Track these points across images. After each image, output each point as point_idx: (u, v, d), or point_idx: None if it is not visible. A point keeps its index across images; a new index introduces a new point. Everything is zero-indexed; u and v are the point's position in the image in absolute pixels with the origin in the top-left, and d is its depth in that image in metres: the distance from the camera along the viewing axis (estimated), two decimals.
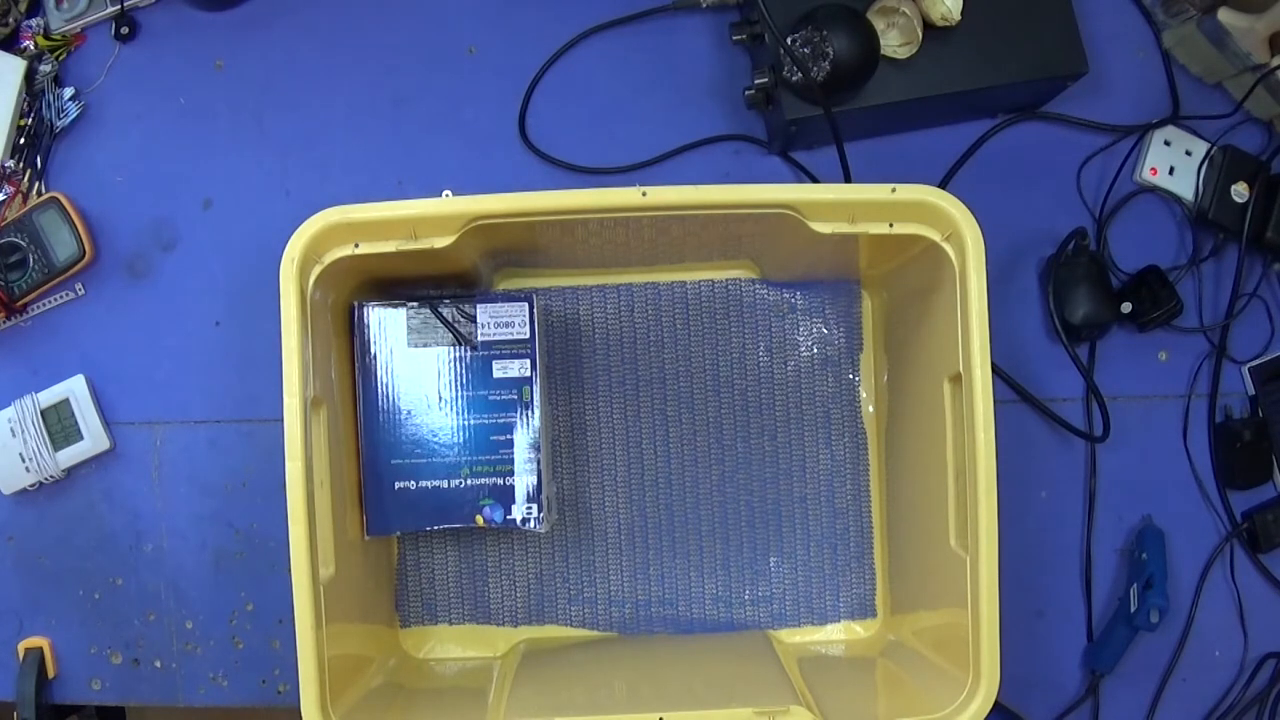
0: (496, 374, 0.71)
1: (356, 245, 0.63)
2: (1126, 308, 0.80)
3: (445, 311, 0.72)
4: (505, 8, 0.83)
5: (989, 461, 0.61)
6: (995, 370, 0.76)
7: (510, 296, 0.72)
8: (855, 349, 0.80)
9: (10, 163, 0.80)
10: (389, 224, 0.63)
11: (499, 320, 0.72)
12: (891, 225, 0.65)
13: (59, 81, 0.82)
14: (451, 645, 0.79)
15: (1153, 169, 0.82)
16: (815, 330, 0.80)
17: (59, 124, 0.81)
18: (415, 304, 0.72)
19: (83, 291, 0.81)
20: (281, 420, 0.61)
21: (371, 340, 0.71)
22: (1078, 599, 0.81)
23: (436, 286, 0.74)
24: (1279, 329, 0.83)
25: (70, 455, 0.79)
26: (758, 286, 0.80)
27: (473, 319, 0.72)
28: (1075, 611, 0.81)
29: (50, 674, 0.79)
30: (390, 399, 0.71)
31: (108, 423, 0.80)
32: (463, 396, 0.71)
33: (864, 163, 0.78)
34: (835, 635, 0.79)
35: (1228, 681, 0.82)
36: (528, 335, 0.72)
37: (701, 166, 0.82)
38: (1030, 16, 0.77)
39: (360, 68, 0.83)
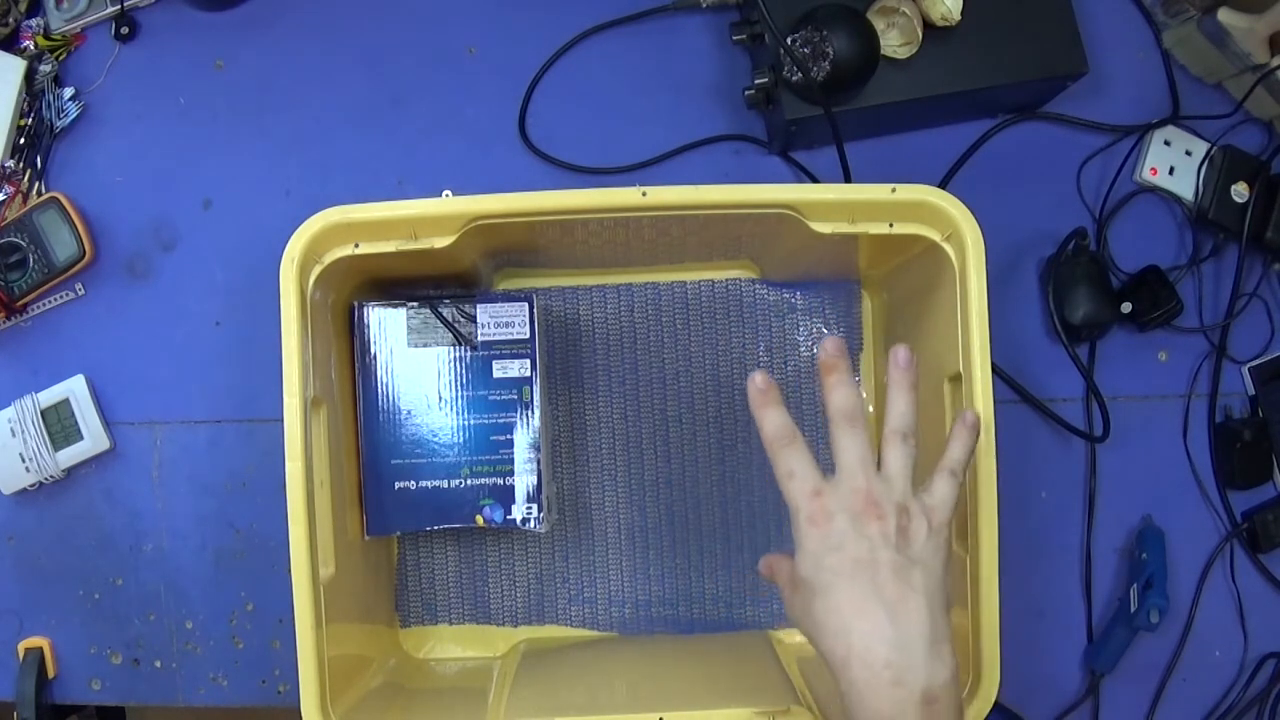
0: (496, 374, 0.71)
1: (356, 245, 0.63)
2: (1126, 308, 0.80)
3: (445, 311, 0.72)
4: (505, 8, 0.83)
5: (989, 461, 0.62)
6: (995, 370, 0.76)
7: (510, 296, 0.72)
8: (855, 349, 0.80)
9: (10, 163, 0.80)
10: (389, 224, 0.63)
11: (499, 320, 0.72)
12: (891, 225, 0.65)
13: (59, 81, 0.82)
14: (451, 645, 0.79)
15: (1153, 169, 0.82)
16: (815, 330, 0.80)
17: (59, 124, 0.81)
18: (415, 304, 0.72)
19: (83, 291, 0.81)
20: (281, 420, 0.61)
21: (371, 340, 0.72)
22: (1078, 599, 0.81)
23: (436, 286, 0.74)
24: (1279, 329, 0.83)
25: (70, 455, 0.79)
26: (758, 286, 0.80)
27: (473, 319, 0.72)
28: (1075, 611, 0.81)
29: (50, 674, 0.79)
30: (390, 399, 0.71)
31: (108, 423, 0.80)
32: (463, 396, 0.71)
33: (864, 163, 0.78)
34: None
35: (1228, 681, 0.82)
36: (528, 335, 0.72)
37: (701, 166, 0.82)
38: (1030, 16, 0.77)
39: (360, 68, 0.83)
